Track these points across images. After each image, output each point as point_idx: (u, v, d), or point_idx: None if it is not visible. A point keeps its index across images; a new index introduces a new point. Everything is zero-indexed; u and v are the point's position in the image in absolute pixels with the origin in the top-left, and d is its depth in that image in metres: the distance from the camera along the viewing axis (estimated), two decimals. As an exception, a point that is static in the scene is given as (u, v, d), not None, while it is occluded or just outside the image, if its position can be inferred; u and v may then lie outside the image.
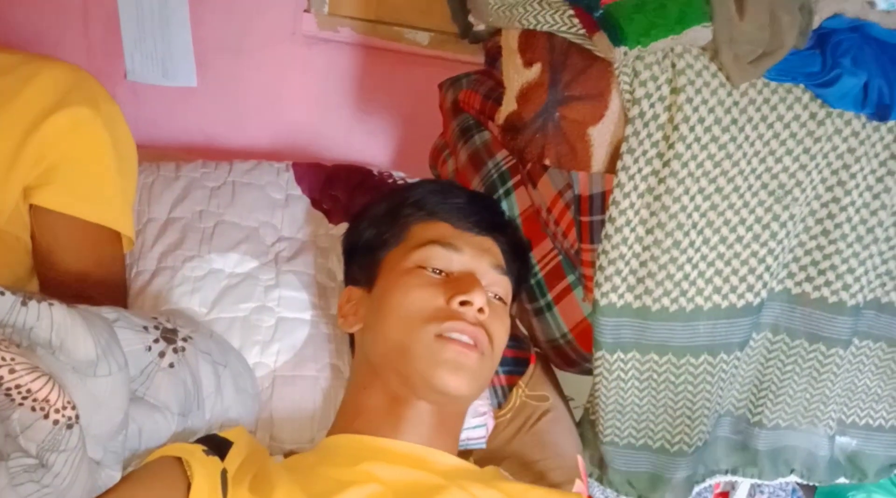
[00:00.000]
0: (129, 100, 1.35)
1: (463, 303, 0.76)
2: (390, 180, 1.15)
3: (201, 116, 1.39)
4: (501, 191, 1.08)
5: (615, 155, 0.81)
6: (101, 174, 0.90)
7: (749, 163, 0.80)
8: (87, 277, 0.88)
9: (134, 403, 0.67)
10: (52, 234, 0.87)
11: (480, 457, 0.89)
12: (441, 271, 0.80)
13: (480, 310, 0.77)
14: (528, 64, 0.80)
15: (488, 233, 0.85)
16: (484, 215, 0.86)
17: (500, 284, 0.83)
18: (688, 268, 0.83)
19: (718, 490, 1.04)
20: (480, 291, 0.77)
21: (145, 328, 0.70)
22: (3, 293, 0.55)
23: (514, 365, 1.00)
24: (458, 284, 0.78)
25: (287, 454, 0.82)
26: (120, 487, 0.62)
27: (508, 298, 0.85)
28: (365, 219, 0.90)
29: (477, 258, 0.82)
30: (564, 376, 1.07)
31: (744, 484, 1.01)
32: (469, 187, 1.14)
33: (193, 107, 1.39)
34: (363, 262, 0.87)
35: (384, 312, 0.79)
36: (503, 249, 0.86)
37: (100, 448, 0.59)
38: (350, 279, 0.89)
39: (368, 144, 1.46)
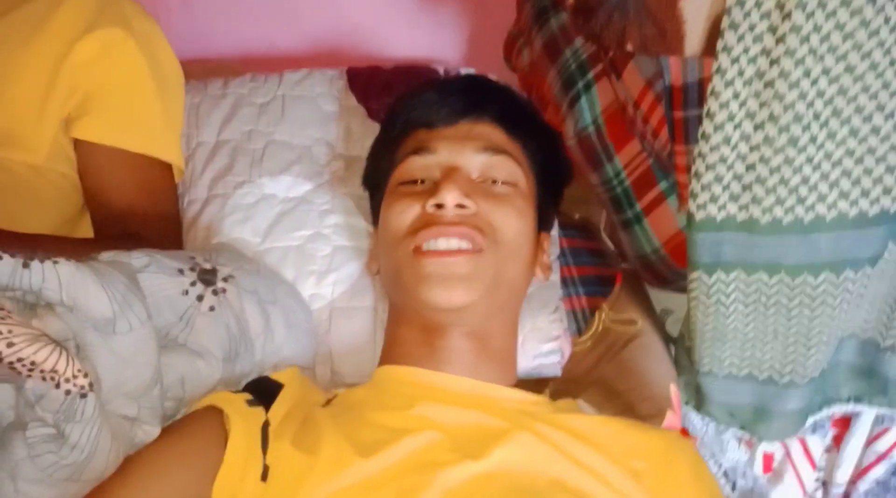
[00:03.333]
0: (181, 10, 1.28)
1: (439, 206, 0.69)
2: (457, 80, 1.03)
3: (256, 22, 1.30)
4: (581, 84, 0.94)
5: (714, 33, 0.66)
6: (140, 100, 0.85)
7: (893, 31, 0.63)
8: (138, 211, 0.84)
9: (174, 350, 0.63)
10: (95, 169, 0.84)
11: (558, 388, 0.81)
12: (425, 180, 0.73)
13: (460, 206, 0.69)
14: (601, -77, 0.65)
15: (467, 116, 0.76)
16: (456, 100, 0.77)
17: (499, 166, 0.74)
18: (807, 170, 0.68)
19: (837, 416, 0.92)
20: (450, 187, 0.69)
21: (180, 271, 0.66)
22: (0, 257, 0.51)
23: (598, 284, 0.90)
24: (435, 187, 0.70)
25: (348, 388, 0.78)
26: (157, 443, 0.60)
27: (519, 178, 0.75)
28: (370, 154, 0.85)
29: (457, 151, 0.73)
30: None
31: (867, 413, 0.88)
32: (545, 81, 1.00)
33: (247, 12, 1.30)
34: (374, 199, 0.81)
35: (381, 242, 0.75)
36: (497, 125, 0.76)
37: (134, 405, 0.57)
38: (374, 220, 0.83)
39: (436, 38, 1.32)
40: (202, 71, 1.08)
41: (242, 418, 0.62)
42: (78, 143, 0.83)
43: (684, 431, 0.76)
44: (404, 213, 0.71)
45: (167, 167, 0.88)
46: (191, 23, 1.30)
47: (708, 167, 0.70)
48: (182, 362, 0.63)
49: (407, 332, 0.73)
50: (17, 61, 0.79)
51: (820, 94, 0.65)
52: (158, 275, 0.64)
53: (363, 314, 0.83)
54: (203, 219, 0.88)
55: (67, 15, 0.82)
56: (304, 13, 1.31)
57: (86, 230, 0.88)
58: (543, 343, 0.81)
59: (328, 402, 0.71)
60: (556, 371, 0.82)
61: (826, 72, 0.64)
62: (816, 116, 0.66)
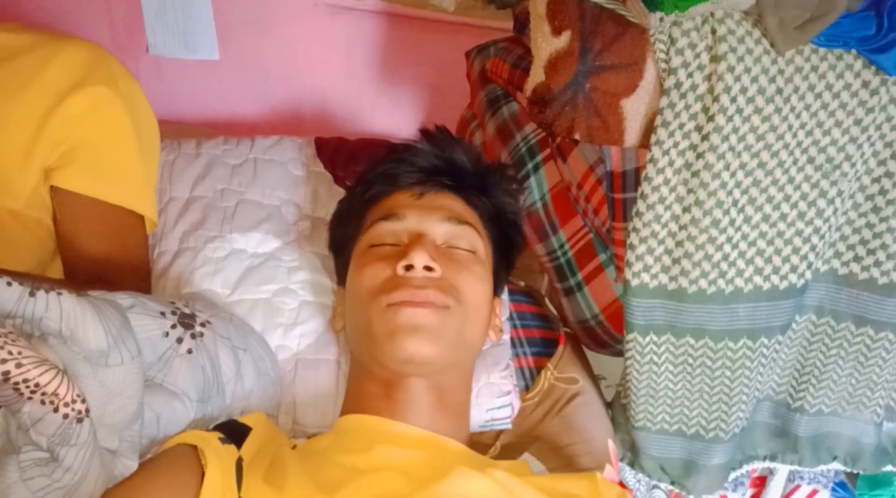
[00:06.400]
0: (152, 74, 1.34)
1: (408, 267, 0.75)
2: (416, 155, 1.11)
3: (224, 90, 1.37)
4: (530, 166, 1.04)
5: (650, 128, 0.77)
6: (122, 155, 0.89)
7: (795, 136, 0.75)
8: (110, 260, 0.86)
9: (152, 390, 0.66)
10: (72, 217, 0.86)
11: (508, 441, 0.87)
12: (394, 244, 0.79)
13: (428, 268, 0.74)
14: (556, 31, 0.76)
15: (431, 187, 0.83)
16: (421, 171, 0.84)
17: (461, 235, 0.80)
18: (727, 248, 0.78)
19: (755, 475, 1.01)
20: (419, 251, 0.74)
21: (162, 314, 0.69)
22: (10, 284, 0.54)
23: (543, 346, 0.97)
24: (405, 250, 0.76)
25: (310, 438, 0.81)
26: (135, 478, 0.61)
27: (478, 246, 0.81)
28: (334, 218, 0.91)
29: (424, 219, 0.80)
30: (596, 355, 1.04)
31: (782, 470, 0.97)
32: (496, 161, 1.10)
33: (216, 80, 1.36)
34: (339, 260, 0.87)
35: (349, 300, 0.80)
36: (458, 196, 0.84)
37: (115, 438, 0.58)
38: (339, 280, 0.89)
39: (394, 116, 1.42)
40: (172, 131, 1.13)
41: (217, 455, 0.64)
42: (57, 192, 0.85)
43: (622, 485, 0.83)
44: (377, 274, 0.76)
45: (141, 219, 0.91)
46: (159, 86, 1.35)
47: (641, 240, 0.80)
48: (158, 402, 0.66)
49: (369, 385, 0.77)
50: (7, 111, 0.82)
51: (738, 184, 0.76)
52: (143, 316, 0.67)
53: (327, 367, 0.86)
54: (173, 270, 0.90)
55: (58, 71, 0.85)
56: (270, 86, 1.38)
57: (55, 274, 0.89)
58: (496, 398, 0.87)
59: (293, 447, 0.74)
60: (507, 424, 0.88)
61: (743, 166, 0.76)
62: (735, 203, 0.77)
